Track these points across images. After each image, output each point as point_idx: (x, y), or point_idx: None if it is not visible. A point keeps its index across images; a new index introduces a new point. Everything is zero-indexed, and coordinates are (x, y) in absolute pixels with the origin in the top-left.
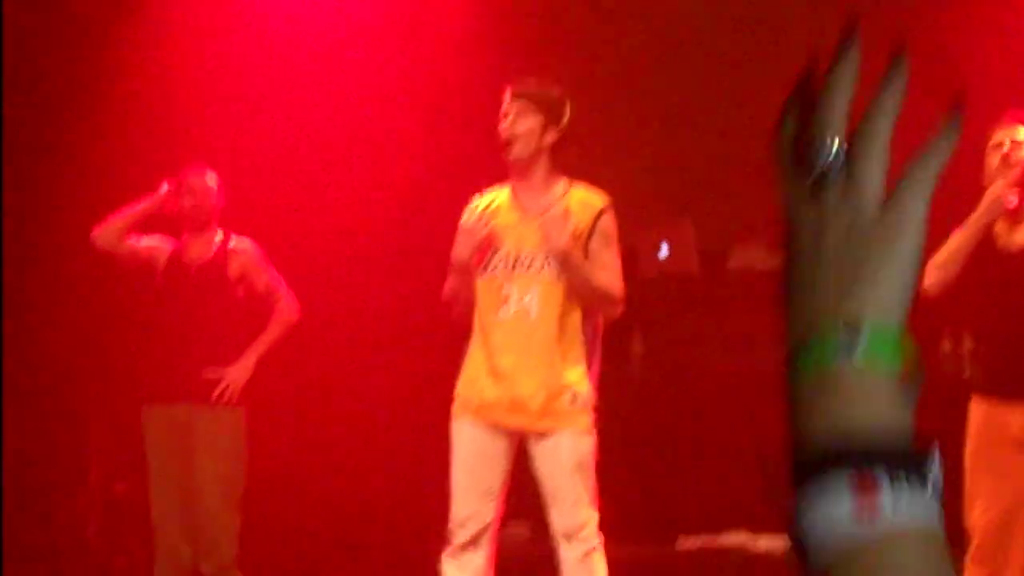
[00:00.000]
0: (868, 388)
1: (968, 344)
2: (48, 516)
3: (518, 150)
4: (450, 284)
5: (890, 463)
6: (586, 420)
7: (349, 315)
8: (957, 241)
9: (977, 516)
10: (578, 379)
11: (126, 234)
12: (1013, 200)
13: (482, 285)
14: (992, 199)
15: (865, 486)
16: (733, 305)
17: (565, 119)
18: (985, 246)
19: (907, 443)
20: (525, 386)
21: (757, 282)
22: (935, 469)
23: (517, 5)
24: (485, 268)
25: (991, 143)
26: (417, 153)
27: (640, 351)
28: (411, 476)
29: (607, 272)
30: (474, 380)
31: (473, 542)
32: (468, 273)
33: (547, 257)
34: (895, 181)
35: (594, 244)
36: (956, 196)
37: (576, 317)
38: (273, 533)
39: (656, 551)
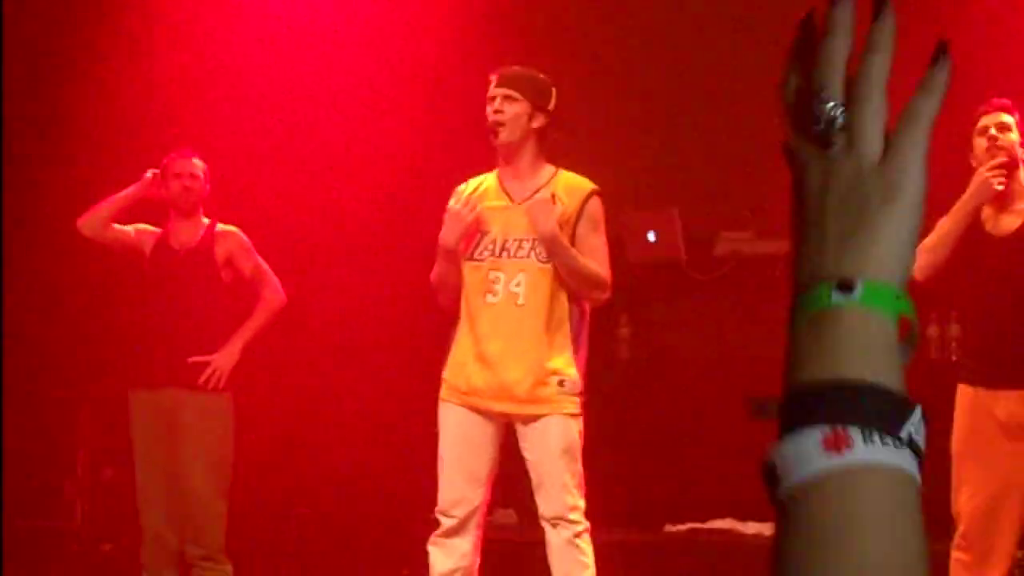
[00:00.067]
0: (860, 338)
1: (955, 329)
2: (36, 501)
3: (505, 135)
4: (437, 269)
5: (866, 423)
6: (573, 405)
7: (336, 301)
8: (946, 226)
9: (963, 502)
10: (565, 364)
11: (111, 221)
12: (1000, 185)
13: (469, 270)
14: (979, 184)
15: (836, 444)
16: (720, 291)
17: (551, 105)
18: (973, 231)
19: (888, 403)
20: (512, 372)
21: (744, 268)
22: (914, 429)
23: None
24: (472, 254)
25: (977, 127)
26: (404, 138)
27: (627, 336)
28: (398, 461)
29: (594, 257)
30: (462, 365)
31: (460, 527)
32: (455, 258)
33: (534, 242)
34: (891, 132)
35: (581, 229)
36: (944, 181)
37: (563, 302)
38: (260, 518)
39: (643, 536)
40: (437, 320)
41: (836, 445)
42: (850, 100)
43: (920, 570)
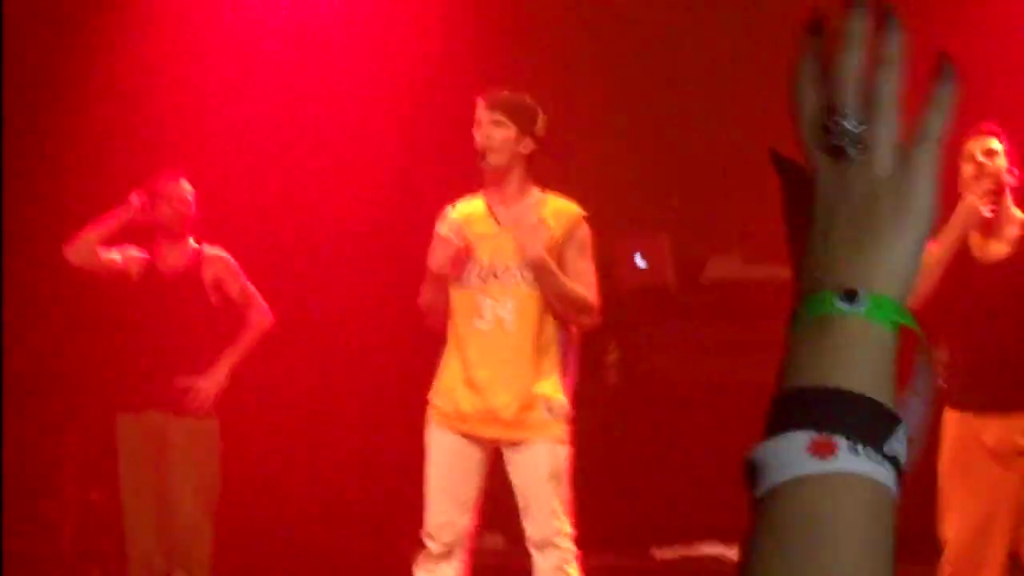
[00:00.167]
0: (858, 349)
1: (943, 355)
2: (22, 525)
3: (492, 159)
4: (425, 294)
5: (853, 433)
6: (560, 430)
7: (323, 324)
8: (933, 252)
9: (950, 527)
10: (553, 389)
11: (97, 247)
12: (987, 211)
13: (457, 296)
14: (967, 210)
15: (822, 450)
16: (708, 316)
17: (539, 129)
18: (961, 257)
19: (876, 416)
20: (500, 396)
21: (732, 293)
22: (897, 445)
23: (496, 16)
24: (460, 279)
25: (965, 153)
26: (392, 160)
27: (616, 361)
28: (386, 484)
29: (582, 282)
30: (449, 390)
31: (447, 552)
32: (443, 284)
33: (522, 267)
34: (903, 146)
35: (569, 254)
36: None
37: (552, 327)
38: (247, 541)
39: (631, 561)
40: (425, 342)
41: (822, 451)
42: (864, 114)
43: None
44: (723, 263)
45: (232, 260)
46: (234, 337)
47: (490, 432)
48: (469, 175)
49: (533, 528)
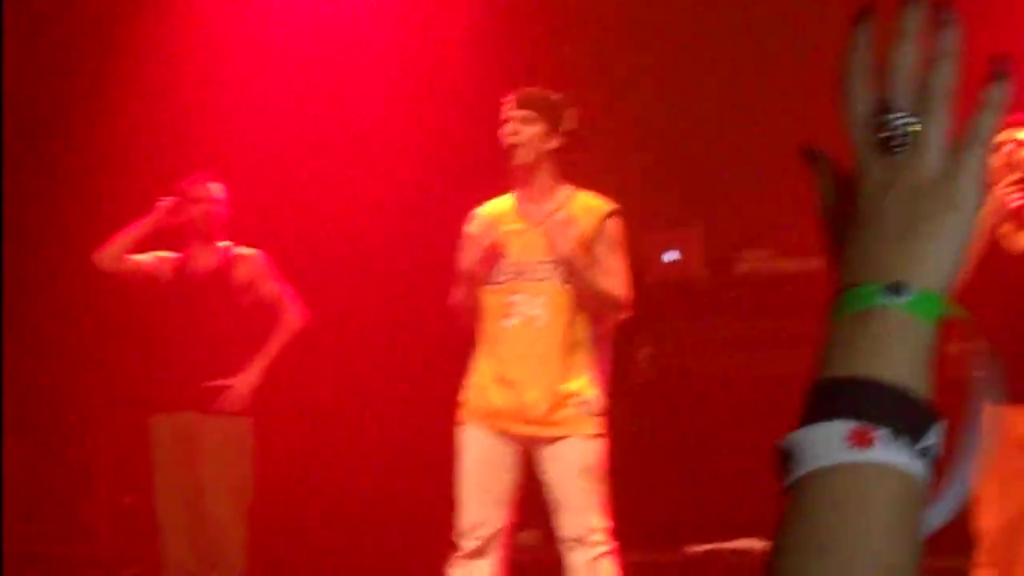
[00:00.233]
0: (900, 341)
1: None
2: (56, 528)
3: (521, 156)
4: (456, 294)
5: (892, 425)
6: (593, 425)
7: (356, 323)
8: None
9: (985, 520)
10: (585, 385)
11: (127, 253)
12: (1016, 201)
13: (488, 294)
14: (995, 201)
15: (860, 440)
16: (741, 309)
17: (567, 125)
18: (990, 248)
19: (915, 410)
20: (532, 393)
21: (764, 286)
22: (933, 440)
23: (524, 12)
24: (491, 277)
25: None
26: (423, 160)
27: (648, 356)
28: (420, 483)
29: (612, 277)
30: (482, 388)
31: (482, 550)
32: (474, 283)
33: (553, 264)
34: (955, 141)
35: (599, 249)
36: None
37: (583, 323)
38: (281, 542)
39: (663, 556)
40: (456, 341)
41: (860, 440)
42: (917, 110)
43: (908, 568)
44: (755, 257)
45: (264, 260)
46: (266, 337)
47: (522, 429)
48: (499, 174)
49: (565, 525)
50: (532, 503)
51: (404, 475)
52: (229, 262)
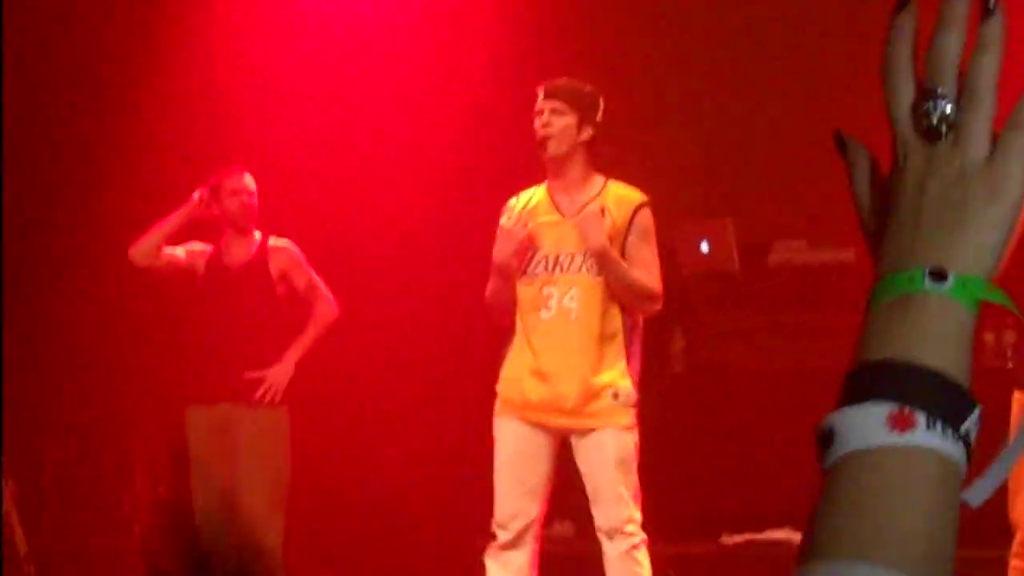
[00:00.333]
0: (941, 327)
1: (1010, 336)
2: (94, 519)
3: (553, 148)
4: (491, 287)
5: (932, 409)
6: (627, 417)
7: (390, 314)
8: None
9: (1021, 510)
10: (619, 377)
11: (162, 247)
12: None
13: (523, 287)
14: None
15: (902, 423)
16: (774, 301)
17: (599, 116)
18: None
19: (955, 396)
20: (566, 385)
21: (798, 277)
22: (971, 425)
23: (556, 4)
24: (525, 270)
25: None
26: (455, 152)
27: (681, 348)
28: (455, 474)
29: (645, 269)
30: (517, 380)
31: (516, 541)
32: (509, 276)
33: (586, 256)
34: (999, 132)
35: (631, 241)
36: None
37: (616, 315)
38: (318, 532)
39: (699, 547)
40: (491, 334)
41: (901, 424)
42: (961, 98)
43: (944, 550)
44: (789, 247)
45: (298, 251)
46: (301, 328)
47: (557, 421)
48: (533, 166)
49: (601, 516)
50: (565, 495)
51: (440, 466)
52: (263, 254)
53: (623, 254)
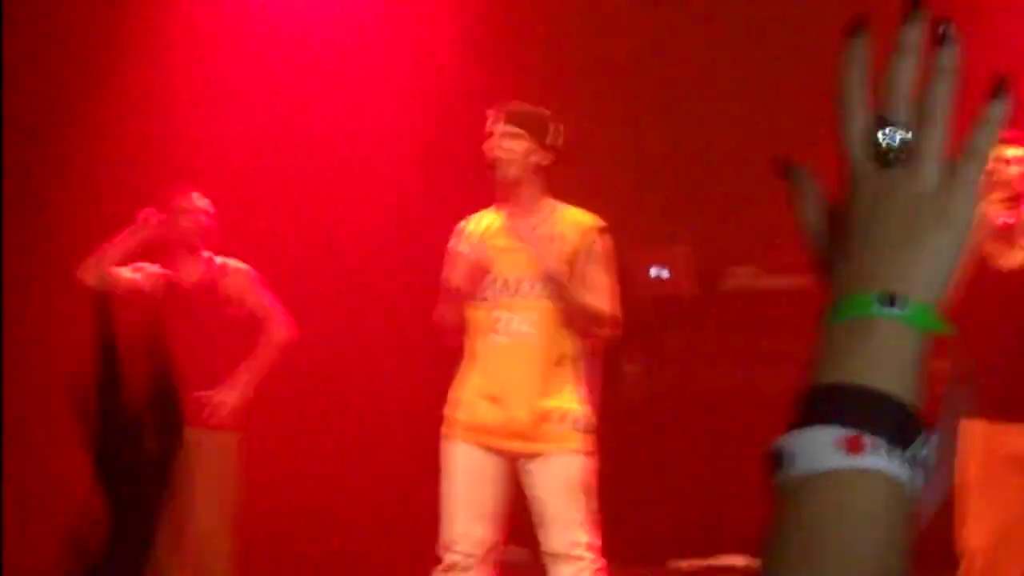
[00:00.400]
0: (892, 352)
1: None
2: (47, 537)
3: (505, 171)
4: (441, 310)
5: (882, 433)
6: (579, 442)
7: (341, 337)
8: None
9: (974, 536)
10: (570, 400)
11: (112, 267)
12: (1001, 219)
13: (475, 310)
14: (982, 218)
15: (851, 447)
16: (729, 326)
17: (552, 140)
18: (978, 266)
19: (905, 420)
20: (519, 409)
21: (754, 302)
22: (923, 450)
23: (512, 27)
24: (478, 293)
25: None
26: (407, 173)
27: (635, 371)
28: (406, 497)
29: (600, 293)
30: (468, 403)
31: (468, 566)
32: (459, 300)
33: (539, 281)
34: (952, 157)
35: (585, 265)
36: None
37: (570, 340)
38: (267, 554)
39: (650, 572)
40: (441, 356)
41: (851, 447)
42: (915, 125)
43: (895, 573)
44: (743, 273)
45: (252, 272)
46: (252, 348)
47: (509, 444)
48: (485, 188)
49: (548, 540)
50: (520, 520)
51: (390, 488)
52: (216, 274)
53: (577, 278)
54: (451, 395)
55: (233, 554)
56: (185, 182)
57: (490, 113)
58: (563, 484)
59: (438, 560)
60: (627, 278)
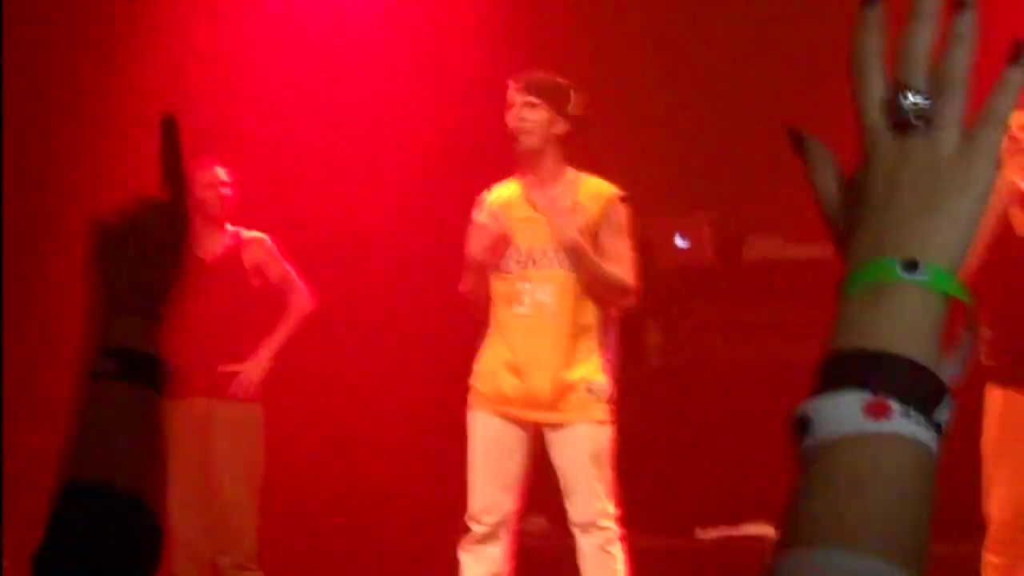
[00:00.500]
0: (914, 316)
1: (986, 332)
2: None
3: (525, 142)
4: (466, 281)
5: (906, 398)
6: (601, 411)
7: (365, 307)
8: None
9: (995, 505)
10: (593, 371)
11: None
12: None
13: (497, 281)
14: (1004, 186)
15: (877, 411)
16: (749, 296)
17: (573, 110)
18: (1002, 233)
19: (928, 384)
20: (541, 379)
21: (773, 272)
22: (945, 413)
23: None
24: (499, 264)
25: None
26: (430, 145)
27: (657, 342)
28: (430, 468)
29: (618, 263)
30: (491, 374)
31: (491, 534)
32: (483, 271)
33: (559, 251)
34: (970, 123)
35: (605, 235)
36: None
37: (591, 309)
38: (292, 526)
39: (675, 542)
40: (466, 327)
41: (876, 411)
42: (933, 91)
43: (921, 536)
44: (763, 243)
45: (271, 243)
46: (276, 321)
47: (531, 415)
48: (508, 159)
49: (575, 510)
50: (540, 489)
51: (414, 459)
52: (237, 246)
53: (597, 248)
54: (475, 366)
55: (259, 525)
56: (207, 155)
57: (510, 83)
58: (588, 454)
59: (466, 530)
60: (648, 248)
